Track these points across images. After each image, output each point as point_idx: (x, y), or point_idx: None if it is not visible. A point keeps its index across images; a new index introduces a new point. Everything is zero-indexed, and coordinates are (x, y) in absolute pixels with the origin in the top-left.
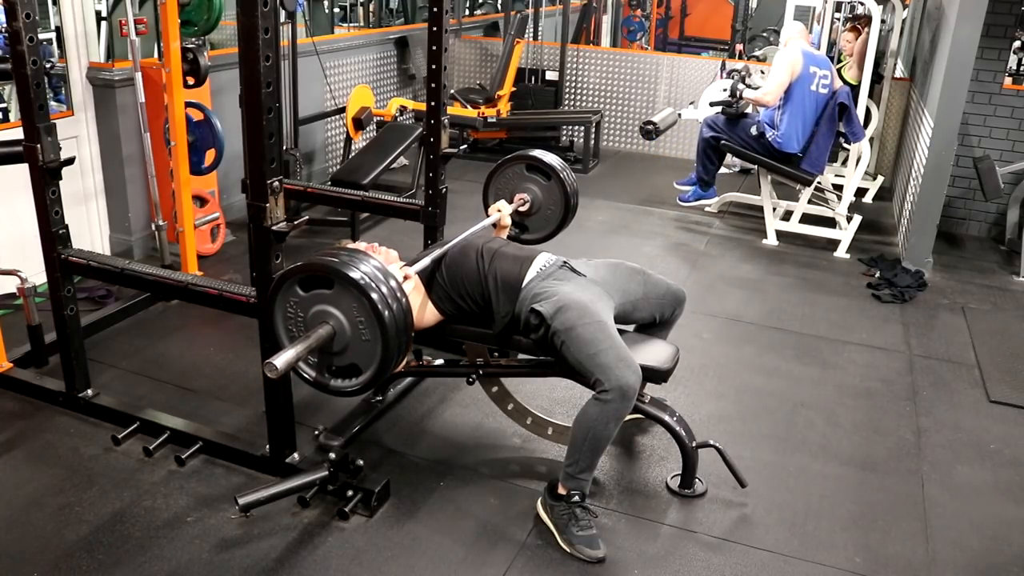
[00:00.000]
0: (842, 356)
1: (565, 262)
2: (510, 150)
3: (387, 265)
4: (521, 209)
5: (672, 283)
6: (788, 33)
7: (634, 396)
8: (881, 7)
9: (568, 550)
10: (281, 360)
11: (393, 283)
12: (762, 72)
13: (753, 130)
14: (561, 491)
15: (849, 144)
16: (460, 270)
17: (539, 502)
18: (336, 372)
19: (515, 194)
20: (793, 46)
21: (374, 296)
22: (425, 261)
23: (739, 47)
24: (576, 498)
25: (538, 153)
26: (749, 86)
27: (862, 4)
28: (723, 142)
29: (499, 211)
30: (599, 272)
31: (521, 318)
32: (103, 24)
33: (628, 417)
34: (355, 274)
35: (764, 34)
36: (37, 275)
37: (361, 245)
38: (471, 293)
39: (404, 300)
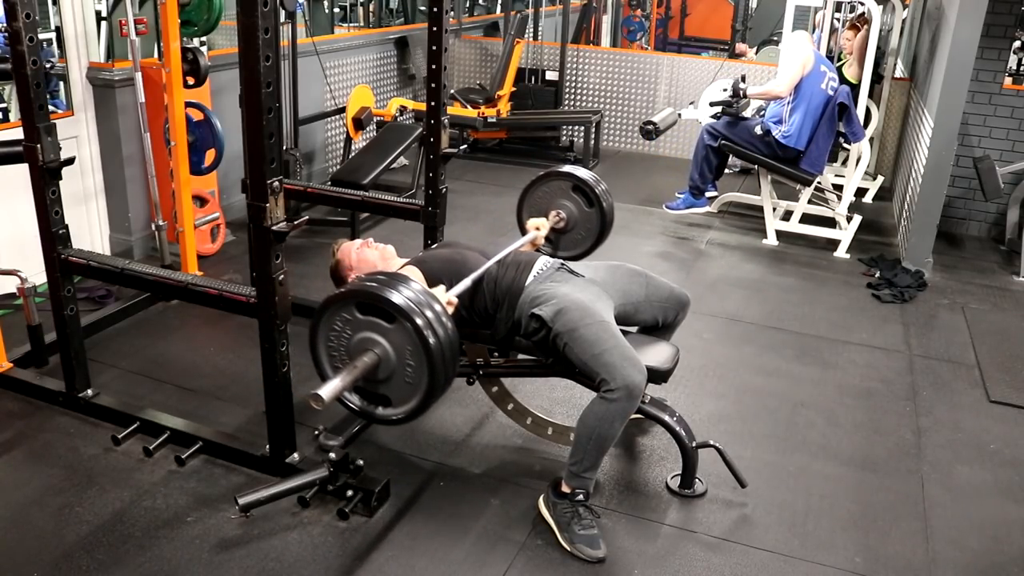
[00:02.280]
0: (842, 356)
1: (563, 263)
2: (510, 150)
3: (387, 261)
4: (557, 227)
5: (676, 287)
6: (795, 36)
7: (640, 395)
8: (881, 7)
9: (568, 548)
10: (328, 391)
11: (438, 307)
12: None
13: (757, 129)
14: (565, 489)
15: (849, 144)
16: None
17: (541, 499)
18: (382, 400)
19: (549, 210)
20: (803, 44)
21: (419, 322)
22: (466, 283)
23: (741, 46)
24: (580, 496)
25: (573, 169)
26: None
27: (862, 4)
28: (723, 142)
29: (538, 228)
30: (598, 273)
31: (522, 322)
32: (103, 24)
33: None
34: (399, 300)
35: (775, 38)
36: (37, 275)
37: (357, 242)
38: (477, 307)
39: (450, 326)
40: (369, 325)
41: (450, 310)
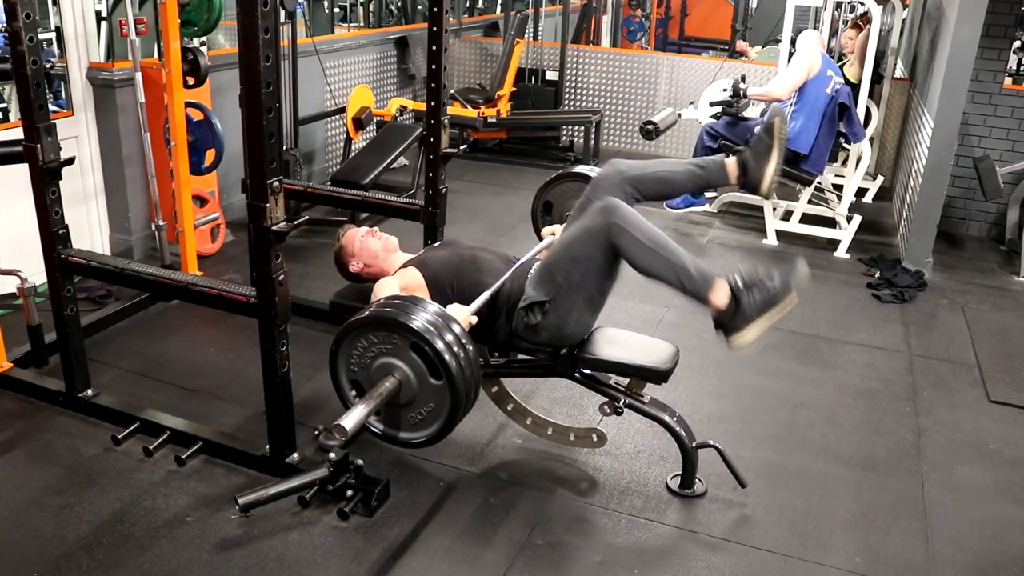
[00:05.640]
0: (842, 356)
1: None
2: (510, 150)
3: (389, 254)
4: None
5: (599, 200)
6: (805, 36)
7: (614, 203)
8: (881, 7)
9: (794, 283)
10: (351, 421)
11: (457, 329)
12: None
13: (757, 130)
14: (722, 295)
15: (849, 144)
16: (474, 288)
17: (725, 337)
18: (405, 424)
19: (565, 211)
20: (813, 46)
21: (439, 346)
22: (484, 297)
23: (741, 44)
24: (736, 286)
25: (586, 170)
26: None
27: (862, 3)
28: (723, 143)
29: (553, 234)
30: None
31: (518, 327)
32: (103, 24)
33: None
34: (417, 324)
35: (778, 39)
36: (37, 275)
37: (363, 229)
38: (479, 315)
39: (470, 347)
40: (388, 351)
41: (466, 327)
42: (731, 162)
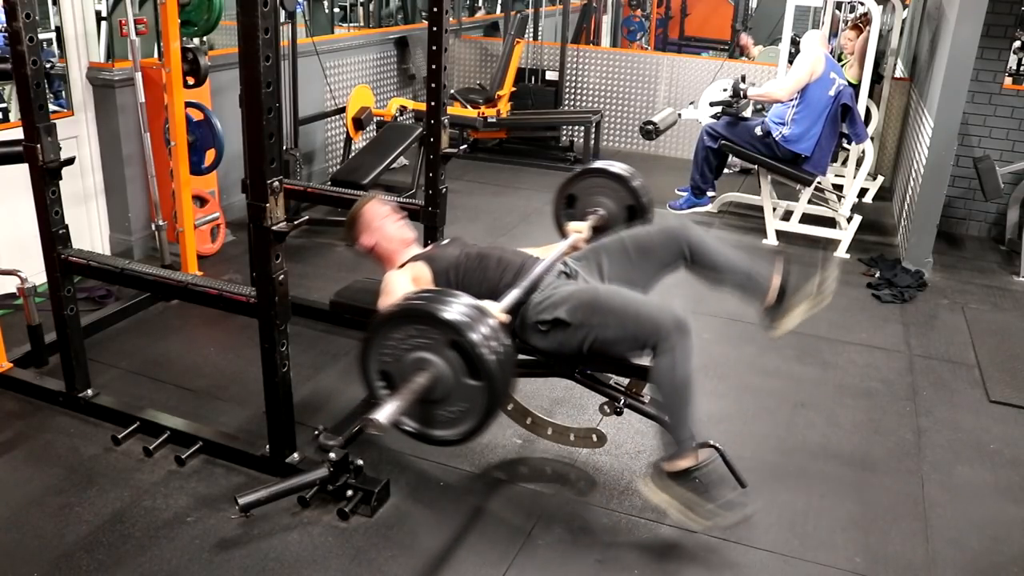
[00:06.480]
0: (842, 356)
1: (560, 269)
2: (510, 150)
3: (405, 247)
4: (597, 226)
5: (664, 224)
6: (809, 38)
7: (689, 327)
8: (881, 7)
9: (706, 524)
10: (385, 415)
11: (493, 322)
12: (752, 84)
13: (758, 130)
14: (680, 464)
15: (850, 145)
16: (479, 287)
17: (650, 485)
18: (438, 421)
19: (586, 209)
20: (816, 48)
21: (475, 338)
22: (515, 293)
23: (746, 38)
24: (702, 466)
25: (607, 165)
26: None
27: (862, 4)
28: (723, 143)
29: (579, 232)
30: (591, 266)
31: (526, 330)
32: (103, 24)
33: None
34: (452, 316)
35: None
36: (37, 275)
37: (386, 208)
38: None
39: (506, 341)
40: (422, 344)
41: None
42: (775, 288)
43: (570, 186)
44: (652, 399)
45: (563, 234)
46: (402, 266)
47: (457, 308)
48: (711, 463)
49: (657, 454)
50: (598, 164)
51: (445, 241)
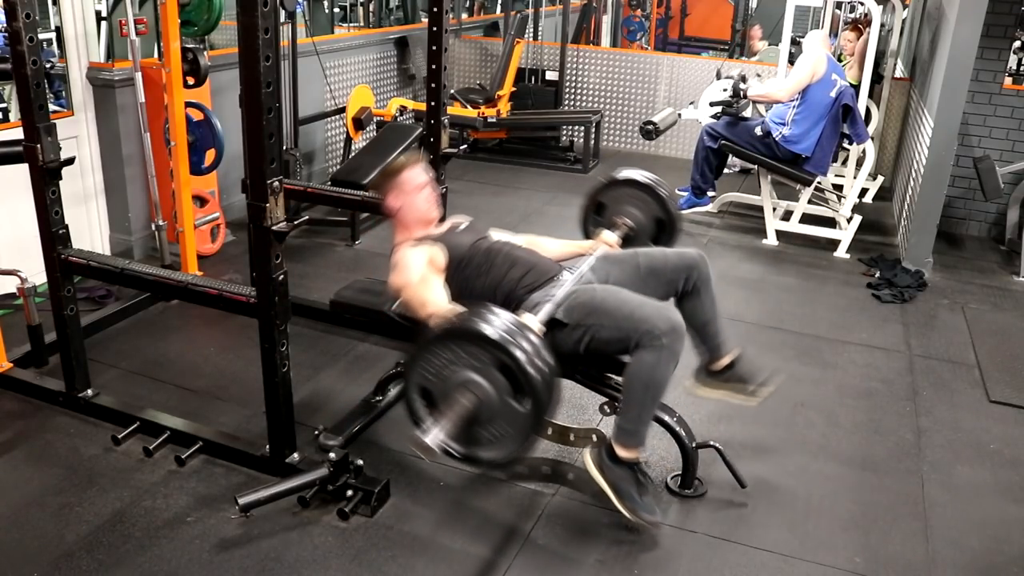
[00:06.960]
0: (842, 356)
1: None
2: (510, 150)
3: (426, 225)
4: (625, 235)
5: (683, 250)
6: (811, 39)
7: (683, 333)
8: (881, 7)
9: (629, 515)
10: (433, 439)
11: (534, 338)
12: (758, 75)
13: (758, 130)
14: (625, 454)
15: (851, 145)
16: (483, 291)
17: (590, 461)
18: (481, 441)
19: (614, 218)
20: (818, 49)
21: (519, 356)
22: (550, 306)
23: (756, 31)
24: (643, 459)
25: (634, 174)
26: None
27: (862, 4)
28: (723, 143)
29: (607, 242)
30: (597, 276)
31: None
32: (103, 24)
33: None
34: (493, 333)
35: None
36: (37, 275)
37: (425, 179)
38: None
39: (549, 355)
40: (467, 364)
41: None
42: (727, 361)
43: (601, 193)
44: (622, 391)
45: (587, 238)
46: (418, 242)
47: (501, 325)
48: (649, 465)
49: (650, 455)
50: (632, 174)
51: (464, 225)
